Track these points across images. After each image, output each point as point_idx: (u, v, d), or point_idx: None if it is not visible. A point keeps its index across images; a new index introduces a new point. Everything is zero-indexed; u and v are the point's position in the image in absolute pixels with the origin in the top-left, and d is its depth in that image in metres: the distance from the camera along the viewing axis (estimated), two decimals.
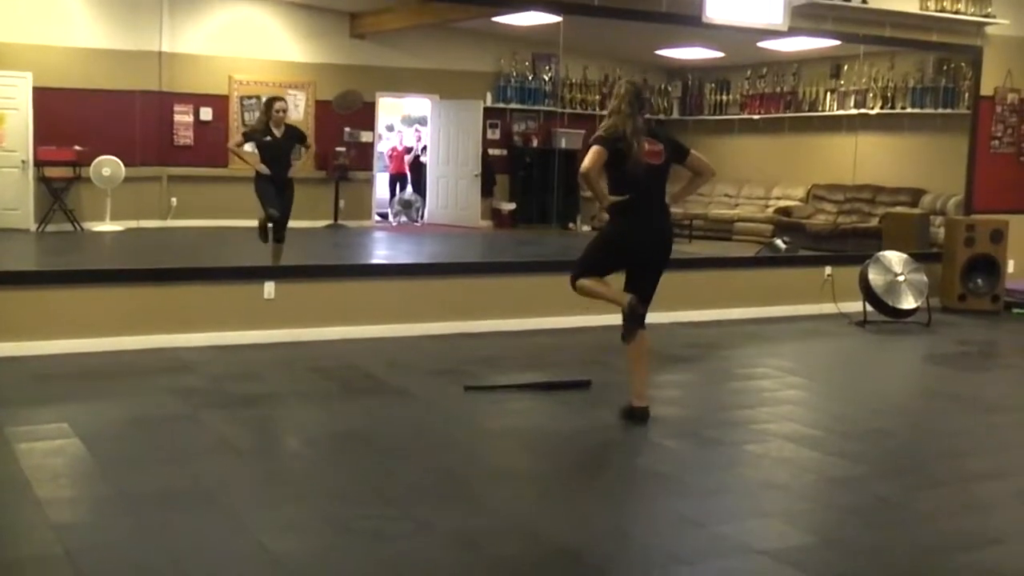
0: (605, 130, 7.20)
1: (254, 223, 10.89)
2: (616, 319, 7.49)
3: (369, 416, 7.32)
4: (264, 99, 11.45)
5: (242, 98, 16.09)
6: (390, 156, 19.57)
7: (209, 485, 5.69)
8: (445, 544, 5.03)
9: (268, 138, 10.90)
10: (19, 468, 5.83)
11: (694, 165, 7.62)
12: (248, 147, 11.26)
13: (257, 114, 15.09)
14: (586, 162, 7.10)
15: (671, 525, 5.44)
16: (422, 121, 19.76)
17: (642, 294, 7.34)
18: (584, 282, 7.35)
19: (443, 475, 6.08)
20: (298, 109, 16.39)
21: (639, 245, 7.32)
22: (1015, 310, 12.68)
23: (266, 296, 9.47)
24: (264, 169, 10.80)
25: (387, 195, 18.55)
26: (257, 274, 9.69)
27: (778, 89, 16.99)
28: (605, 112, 7.52)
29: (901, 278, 11.33)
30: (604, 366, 8.49)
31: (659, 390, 8.61)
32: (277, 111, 10.94)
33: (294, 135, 11.22)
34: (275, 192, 10.85)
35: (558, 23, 11.57)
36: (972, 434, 7.56)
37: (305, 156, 11.71)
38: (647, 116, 7.42)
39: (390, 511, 5.39)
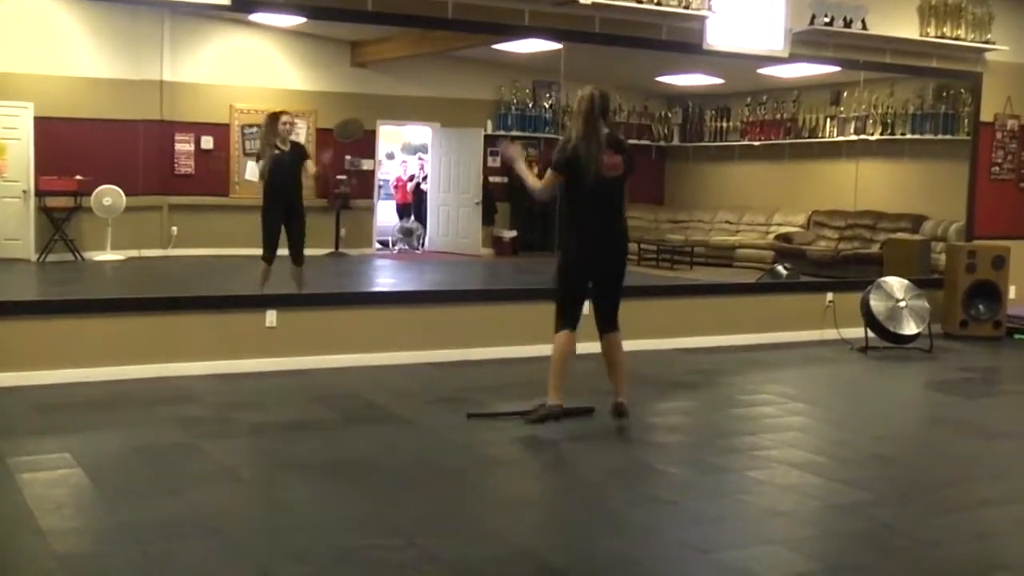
0: (566, 143, 7.41)
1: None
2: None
3: (372, 445, 7.31)
4: (266, 115, 11.33)
5: (243, 127, 16.11)
6: (395, 186, 19.59)
7: (213, 515, 5.67)
8: (450, 573, 5.02)
9: (276, 152, 10.83)
10: (22, 498, 5.83)
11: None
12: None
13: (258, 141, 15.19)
14: (542, 183, 7.48)
15: (676, 552, 5.43)
16: (422, 149, 19.78)
17: (609, 318, 7.68)
18: (557, 344, 7.65)
19: (447, 503, 6.07)
20: (299, 137, 16.42)
21: (591, 259, 7.54)
22: (1017, 336, 12.68)
23: (268, 324, 9.47)
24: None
25: (391, 224, 18.57)
26: (259, 302, 9.69)
27: (778, 116, 17.01)
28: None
29: (903, 304, 11.33)
30: (607, 393, 8.47)
31: (662, 417, 8.66)
32: (284, 124, 10.87)
33: (300, 152, 11.14)
34: (282, 223, 10.78)
35: (559, 50, 11.59)
36: (976, 461, 7.55)
37: (314, 170, 11.53)
38: (608, 128, 7.51)
39: (394, 540, 5.38)
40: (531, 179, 7.63)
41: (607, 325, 7.76)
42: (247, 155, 15.98)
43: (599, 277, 7.66)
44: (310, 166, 11.15)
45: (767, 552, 5.42)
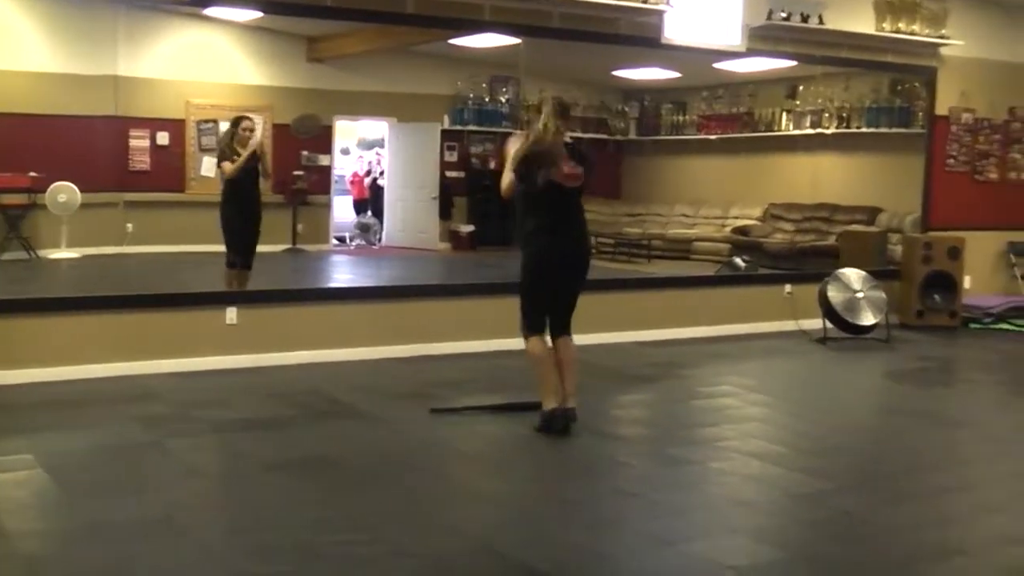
0: (527, 151, 7.29)
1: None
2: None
3: (336, 441, 7.30)
4: (231, 120, 11.28)
5: (199, 122, 16.06)
6: (352, 182, 19.56)
7: (178, 513, 5.66)
8: (416, 567, 5.03)
9: (236, 157, 10.77)
10: None
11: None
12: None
13: (216, 138, 15.14)
14: (504, 187, 7.40)
15: (642, 544, 5.45)
16: (377, 144, 19.76)
17: (562, 324, 7.57)
18: (532, 350, 7.51)
19: (412, 498, 6.08)
20: (256, 133, 16.36)
21: (553, 263, 7.47)
22: (972, 325, 12.79)
23: (229, 322, 9.44)
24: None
25: (348, 219, 18.55)
26: (219, 300, 9.66)
27: (734, 110, 17.11)
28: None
29: (860, 295, 11.41)
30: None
31: (623, 409, 8.70)
32: (244, 130, 10.82)
33: (259, 157, 11.08)
34: (242, 225, 10.72)
35: (515, 45, 11.59)
36: (934, 449, 7.63)
37: (269, 182, 11.49)
38: (568, 136, 7.47)
39: (361, 535, 5.39)
40: (506, 178, 7.52)
41: (561, 330, 7.60)
42: (203, 151, 15.93)
43: (561, 284, 7.55)
44: (267, 166, 11.10)
45: (732, 542, 5.46)
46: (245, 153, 10.64)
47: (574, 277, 7.57)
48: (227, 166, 10.64)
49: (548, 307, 7.57)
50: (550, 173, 7.21)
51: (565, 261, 7.50)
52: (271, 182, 11.46)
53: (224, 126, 15.80)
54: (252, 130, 10.96)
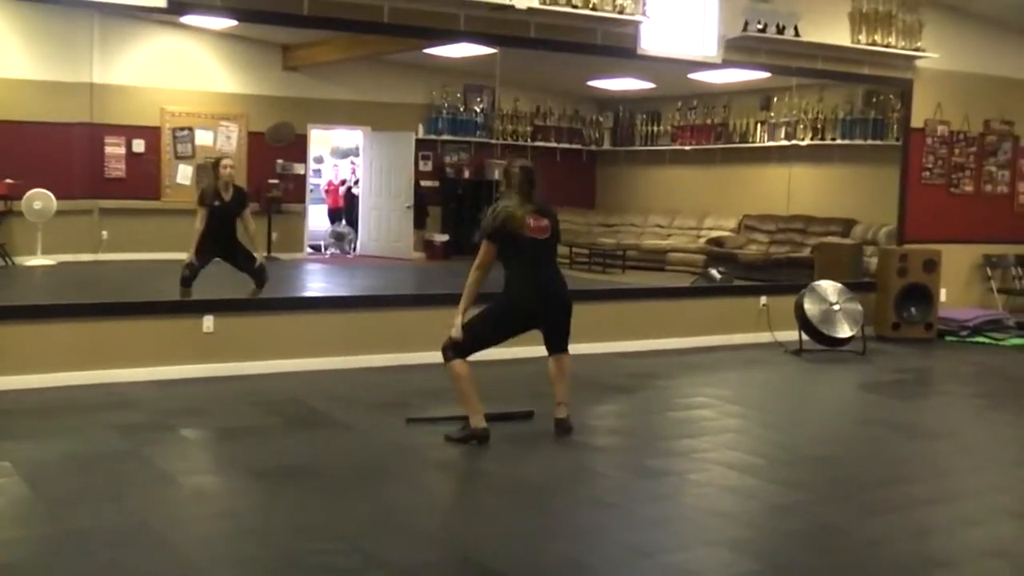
0: (495, 215, 7.60)
1: (186, 256, 10.76)
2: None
3: (313, 450, 7.29)
4: (209, 160, 11.30)
5: (174, 130, 16.01)
6: (327, 191, 19.52)
7: (155, 522, 5.64)
8: None
9: (217, 203, 10.71)
10: None
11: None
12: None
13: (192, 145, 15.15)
14: (479, 259, 7.63)
15: (621, 555, 5.44)
16: (352, 153, 19.74)
17: (558, 346, 7.88)
18: (459, 370, 7.60)
19: (389, 508, 6.06)
20: (230, 141, 16.34)
21: (535, 307, 7.71)
22: (948, 338, 12.85)
23: (205, 330, 9.42)
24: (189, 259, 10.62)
25: (322, 228, 18.52)
26: (196, 308, 9.64)
27: (709, 120, 17.14)
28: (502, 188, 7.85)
29: (836, 307, 11.44)
30: (546, 397, 8.48)
31: (599, 420, 8.71)
32: (224, 167, 10.82)
33: (241, 199, 11.05)
34: (212, 253, 10.73)
35: (490, 55, 11.60)
36: (912, 461, 7.66)
37: (253, 227, 11.40)
38: (534, 197, 7.69)
39: (338, 545, 5.37)
40: (483, 251, 7.69)
41: (558, 350, 7.89)
42: (178, 158, 15.90)
43: (547, 322, 7.81)
44: (249, 220, 11.08)
45: (710, 554, 5.47)
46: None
47: (558, 310, 7.81)
48: (199, 220, 10.67)
49: (545, 338, 7.86)
50: (517, 230, 7.53)
51: (547, 294, 7.74)
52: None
53: (200, 134, 15.88)
54: (233, 167, 11.00)
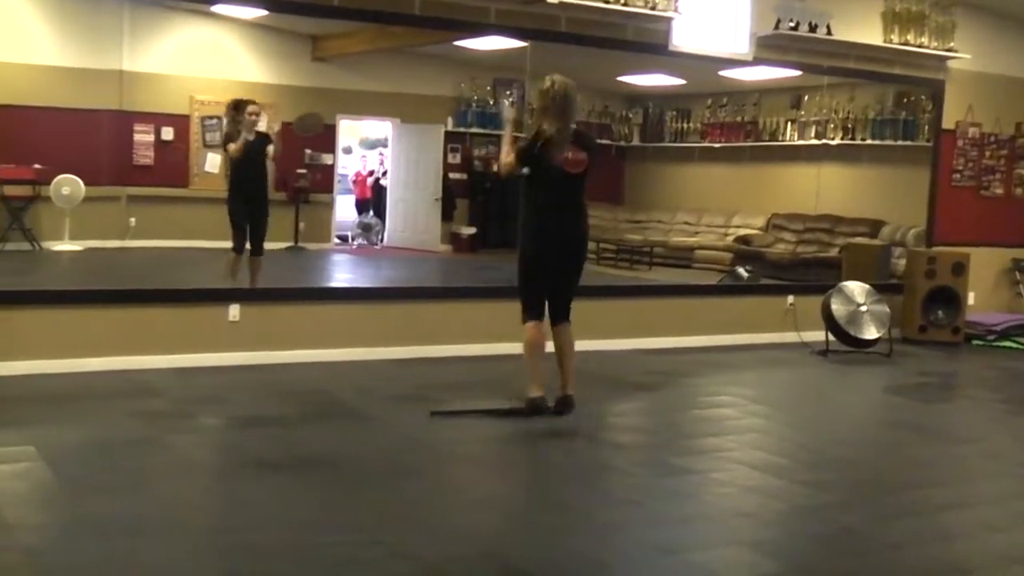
0: (535, 135, 7.48)
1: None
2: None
3: (335, 441, 7.29)
4: (229, 103, 11.18)
5: (203, 118, 16.03)
6: (355, 181, 19.52)
7: (176, 510, 5.65)
8: (413, 571, 5.01)
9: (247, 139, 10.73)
10: None
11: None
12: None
13: (220, 133, 15.13)
14: (505, 165, 7.61)
15: (642, 553, 5.43)
16: (380, 144, 19.74)
17: (562, 309, 7.76)
18: (528, 336, 7.68)
19: (411, 501, 6.06)
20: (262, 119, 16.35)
21: (552, 246, 7.61)
22: (975, 342, 12.78)
23: (231, 319, 9.43)
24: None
25: (350, 219, 18.53)
26: (222, 296, 9.65)
27: (739, 118, 17.06)
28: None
29: (863, 308, 11.38)
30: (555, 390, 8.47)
31: (623, 417, 8.68)
32: (250, 114, 10.78)
33: (265, 139, 11.02)
34: (247, 211, 10.72)
35: (520, 48, 11.58)
36: (936, 465, 7.61)
37: (276, 153, 11.44)
38: (576, 124, 7.60)
39: (358, 537, 5.36)
40: (504, 152, 7.60)
41: (560, 316, 7.80)
42: (207, 147, 15.91)
43: (559, 268, 7.69)
44: (271, 150, 11.06)
45: (732, 554, 5.44)
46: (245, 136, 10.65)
47: (572, 257, 7.71)
48: (232, 147, 10.63)
49: (546, 291, 7.72)
50: (552, 159, 7.33)
51: (564, 243, 7.63)
52: (276, 171, 11.32)
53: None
54: (258, 114, 10.90)
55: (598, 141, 9.82)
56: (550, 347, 7.94)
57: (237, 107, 10.90)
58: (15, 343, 8.62)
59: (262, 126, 10.85)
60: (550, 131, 7.39)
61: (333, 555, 5.10)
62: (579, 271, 7.75)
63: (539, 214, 7.53)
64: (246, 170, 10.73)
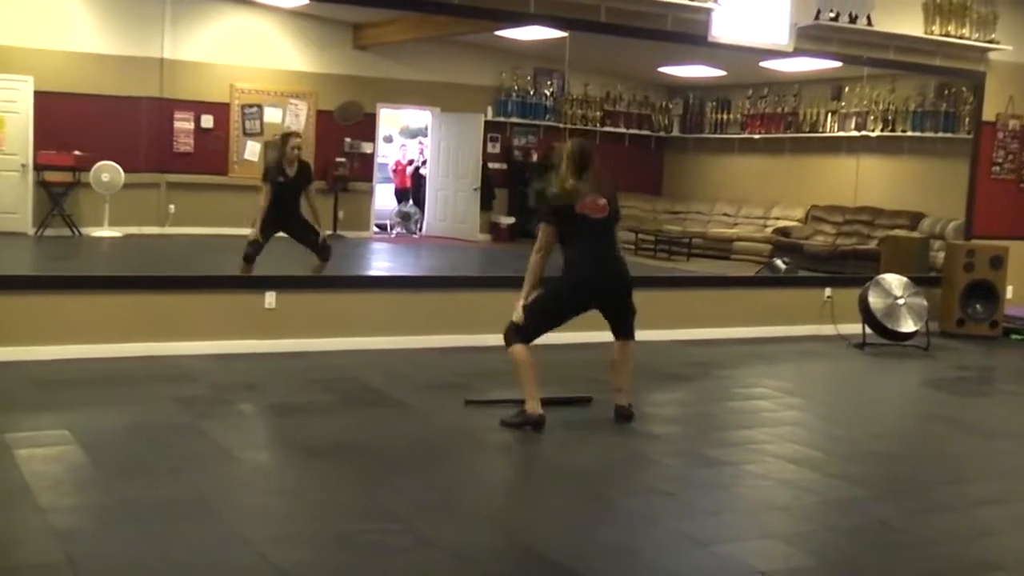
0: (552, 197, 7.65)
1: (250, 233, 10.79)
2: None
3: (370, 429, 7.31)
4: (277, 137, 11.22)
5: (243, 106, 16.12)
6: (394, 170, 19.57)
7: (211, 495, 5.67)
8: (446, 559, 5.01)
9: (281, 179, 10.74)
10: (20, 474, 5.81)
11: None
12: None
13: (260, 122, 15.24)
14: (540, 242, 7.58)
15: (674, 544, 5.43)
16: (420, 133, 19.78)
17: (623, 330, 7.79)
18: (520, 355, 7.55)
19: (444, 490, 6.07)
20: (299, 119, 16.42)
21: (593, 288, 7.62)
22: (1014, 336, 12.69)
23: (267, 306, 9.46)
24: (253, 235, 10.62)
25: (389, 207, 18.60)
26: (258, 284, 9.70)
27: (779, 109, 17.02)
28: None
29: (901, 301, 11.33)
30: (605, 384, 8.46)
31: (658, 408, 8.66)
32: (293, 148, 10.81)
33: (306, 174, 11.00)
34: (275, 227, 10.74)
35: (561, 38, 11.57)
36: (972, 459, 7.57)
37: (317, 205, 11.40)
38: (592, 174, 7.64)
39: (392, 525, 5.37)
40: (542, 234, 7.67)
41: (623, 335, 7.81)
42: (247, 135, 16.00)
43: (605, 301, 7.71)
44: (313, 196, 11.07)
45: (765, 546, 5.42)
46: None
47: (615, 290, 7.72)
48: (263, 198, 10.68)
49: (609, 321, 7.78)
50: (577, 207, 7.47)
51: (601, 281, 7.65)
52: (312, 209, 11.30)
53: (269, 111, 15.96)
54: (300, 148, 10.97)
55: (631, 132, 9.66)
56: (588, 341, 7.96)
57: (284, 141, 10.95)
58: (54, 328, 8.69)
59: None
60: (573, 182, 7.51)
61: (365, 542, 5.12)
62: (628, 296, 7.76)
63: (577, 256, 7.56)
64: (284, 206, 10.74)
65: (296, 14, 15.83)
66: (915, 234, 14.40)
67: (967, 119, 13.55)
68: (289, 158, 10.79)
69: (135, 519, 5.24)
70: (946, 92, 14.21)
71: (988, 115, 13.10)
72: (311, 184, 11.09)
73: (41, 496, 5.49)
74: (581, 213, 7.48)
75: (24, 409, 7.30)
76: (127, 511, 5.36)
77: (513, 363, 7.57)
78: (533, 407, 7.45)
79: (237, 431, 7.15)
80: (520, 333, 7.52)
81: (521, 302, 7.55)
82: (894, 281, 11.47)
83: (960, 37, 12.40)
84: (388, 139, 20.41)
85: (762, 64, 13.57)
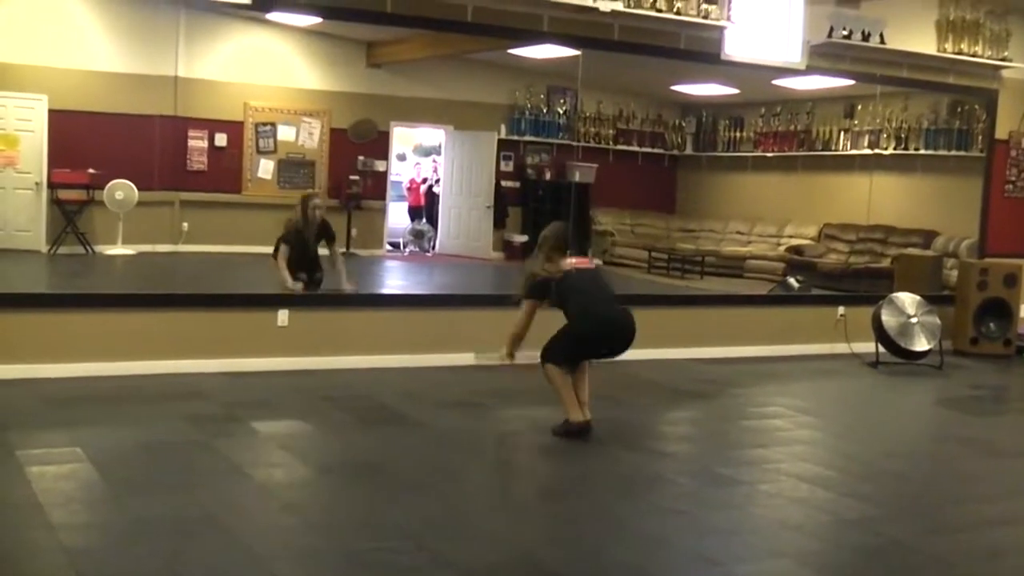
0: (535, 277, 7.79)
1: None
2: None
3: (383, 446, 7.30)
4: (300, 199, 11.09)
5: (257, 125, 16.16)
6: (408, 188, 19.59)
7: (222, 513, 5.67)
8: None
9: (300, 244, 10.66)
10: (31, 491, 5.82)
11: None
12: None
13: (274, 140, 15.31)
14: (520, 320, 7.81)
15: (687, 563, 5.42)
16: (434, 151, 19.80)
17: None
18: (554, 372, 7.65)
19: (456, 507, 6.07)
20: (312, 137, 16.45)
21: (605, 337, 7.78)
22: None
23: (280, 324, 9.46)
24: (293, 285, 10.45)
25: (402, 225, 18.61)
26: (271, 302, 9.69)
27: (792, 127, 17.03)
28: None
29: (914, 320, 11.30)
30: (616, 402, 8.46)
31: (672, 426, 8.66)
32: (314, 208, 10.75)
33: (325, 233, 10.93)
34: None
35: (574, 57, 11.60)
36: (985, 479, 7.54)
37: (339, 254, 11.34)
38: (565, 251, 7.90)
39: (404, 543, 5.36)
40: (522, 314, 7.81)
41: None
42: (260, 153, 16.05)
43: (613, 345, 7.89)
44: (336, 253, 11.08)
45: (778, 566, 5.41)
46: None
47: (622, 339, 7.86)
48: (281, 262, 10.58)
49: (576, 362, 7.82)
50: (558, 273, 7.71)
51: (610, 330, 7.79)
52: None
53: (283, 129, 16.00)
54: (321, 208, 10.90)
55: (644, 150, 9.62)
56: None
57: (304, 202, 10.83)
58: (66, 346, 8.70)
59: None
60: (557, 262, 7.74)
61: (377, 560, 5.11)
62: (628, 345, 7.90)
63: (581, 310, 7.69)
64: (301, 258, 10.66)
65: (310, 32, 15.87)
66: (928, 252, 14.37)
67: (980, 137, 13.54)
68: (310, 219, 10.71)
69: (146, 536, 5.24)
70: (959, 110, 14.21)
71: (1001, 133, 13.07)
72: (335, 242, 11.07)
73: (52, 513, 5.49)
74: (574, 268, 7.73)
75: (36, 426, 7.30)
76: (138, 528, 5.36)
77: (548, 380, 7.66)
78: (575, 415, 7.54)
79: (249, 449, 7.14)
80: (553, 359, 7.64)
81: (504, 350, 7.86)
82: (907, 299, 11.44)
83: (973, 55, 12.39)
84: (402, 157, 20.44)
85: (775, 82, 13.56)
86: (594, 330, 7.66)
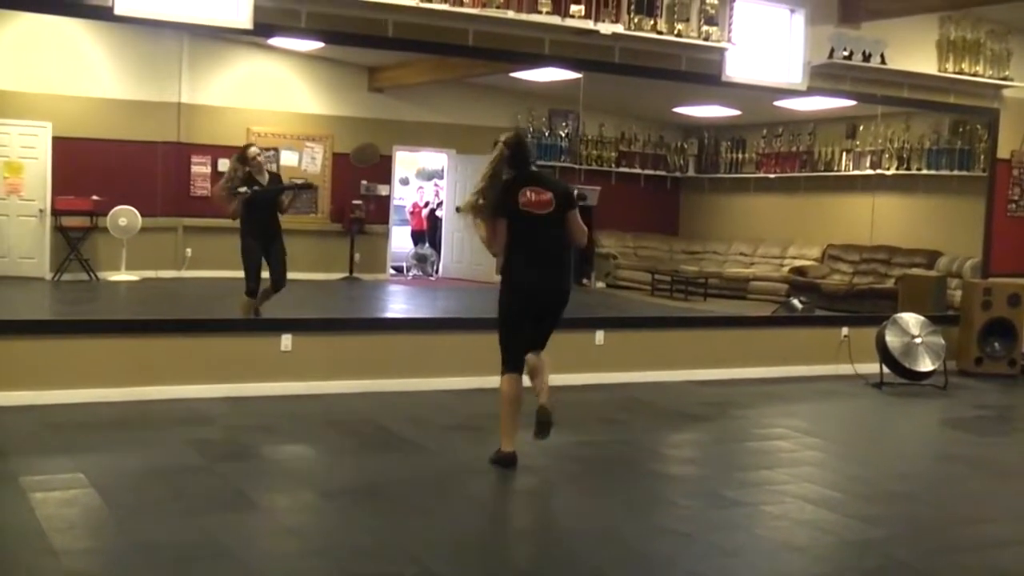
0: (483, 189, 7.28)
1: (268, 274, 10.78)
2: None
3: (386, 470, 7.29)
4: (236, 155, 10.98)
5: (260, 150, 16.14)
6: (411, 212, 19.59)
7: (225, 538, 5.66)
8: None
9: (256, 187, 10.61)
10: (34, 517, 5.82)
11: (569, 224, 7.44)
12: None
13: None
14: (500, 240, 7.28)
15: None
16: (436, 175, 19.80)
17: (540, 344, 7.41)
18: (504, 389, 7.34)
19: (460, 531, 6.06)
20: (315, 162, 16.46)
21: (533, 299, 7.33)
22: None
23: (283, 348, 9.47)
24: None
25: (405, 249, 18.60)
26: (274, 326, 9.70)
27: (794, 148, 17.00)
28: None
29: (918, 340, 11.29)
30: (618, 424, 8.45)
31: (676, 448, 8.64)
32: (252, 157, 10.70)
33: (277, 182, 10.95)
34: (260, 251, 10.63)
35: (576, 79, 11.61)
36: (991, 500, 7.52)
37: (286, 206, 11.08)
38: (531, 166, 7.43)
39: (409, 568, 5.36)
40: (481, 229, 7.43)
41: (535, 348, 7.45)
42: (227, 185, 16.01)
43: (538, 310, 7.40)
44: (284, 201, 10.93)
45: None
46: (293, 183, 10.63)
47: (553, 314, 7.45)
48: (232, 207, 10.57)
49: (526, 341, 7.39)
50: (517, 203, 7.20)
51: (541, 300, 7.38)
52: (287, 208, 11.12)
53: (285, 154, 16.02)
54: (260, 154, 10.81)
55: (647, 172, 9.55)
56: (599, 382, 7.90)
57: (240, 155, 10.79)
58: (69, 372, 8.71)
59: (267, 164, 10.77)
60: (511, 175, 7.25)
61: None
62: (559, 313, 7.47)
63: (515, 267, 7.30)
64: (259, 215, 10.59)
65: (312, 58, 15.87)
66: (932, 272, 14.36)
67: (982, 156, 13.53)
68: (256, 168, 10.70)
69: (149, 562, 5.24)
70: (961, 129, 14.20)
71: (1003, 152, 13.08)
72: (283, 194, 11.00)
73: (55, 539, 5.49)
74: (524, 210, 7.22)
75: (39, 452, 7.31)
76: (141, 554, 5.35)
77: (501, 395, 7.38)
78: (505, 445, 7.32)
79: (252, 474, 7.13)
80: (505, 364, 7.36)
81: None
82: (911, 320, 11.43)
83: (974, 74, 12.41)
84: (404, 181, 20.42)
85: (776, 103, 13.57)
86: (522, 286, 7.31)
